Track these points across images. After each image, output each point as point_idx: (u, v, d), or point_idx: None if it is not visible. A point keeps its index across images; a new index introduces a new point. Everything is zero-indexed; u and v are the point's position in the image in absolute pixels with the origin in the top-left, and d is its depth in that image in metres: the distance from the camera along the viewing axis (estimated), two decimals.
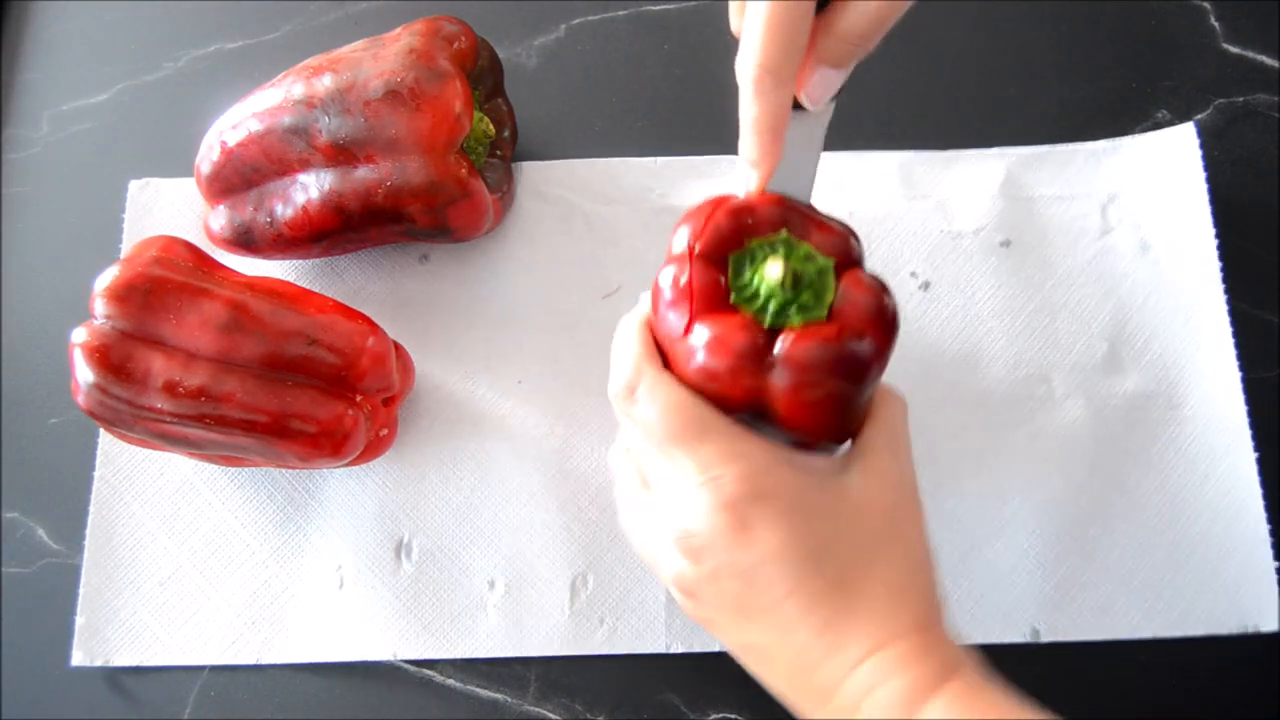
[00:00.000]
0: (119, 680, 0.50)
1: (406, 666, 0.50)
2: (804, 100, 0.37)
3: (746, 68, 0.35)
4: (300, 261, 0.57)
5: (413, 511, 0.52)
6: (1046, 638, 0.49)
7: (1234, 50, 0.59)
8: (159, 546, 0.52)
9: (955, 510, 0.51)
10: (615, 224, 0.56)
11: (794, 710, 0.35)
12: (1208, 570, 0.49)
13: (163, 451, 0.50)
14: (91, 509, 0.52)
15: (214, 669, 0.50)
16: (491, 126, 0.53)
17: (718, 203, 0.36)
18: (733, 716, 0.49)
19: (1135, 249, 0.54)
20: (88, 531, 0.52)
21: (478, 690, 0.50)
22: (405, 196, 0.49)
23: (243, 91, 0.52)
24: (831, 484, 0.35)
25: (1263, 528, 0.49)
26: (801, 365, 0.33)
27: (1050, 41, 0.59)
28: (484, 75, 0.54)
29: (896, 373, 0.53)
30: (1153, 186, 0.55)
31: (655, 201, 0.57)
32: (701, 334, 0.33)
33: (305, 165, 0.50)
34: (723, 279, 0.35)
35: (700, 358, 0.33)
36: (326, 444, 0.46)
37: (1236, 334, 0.52)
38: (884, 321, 0.34)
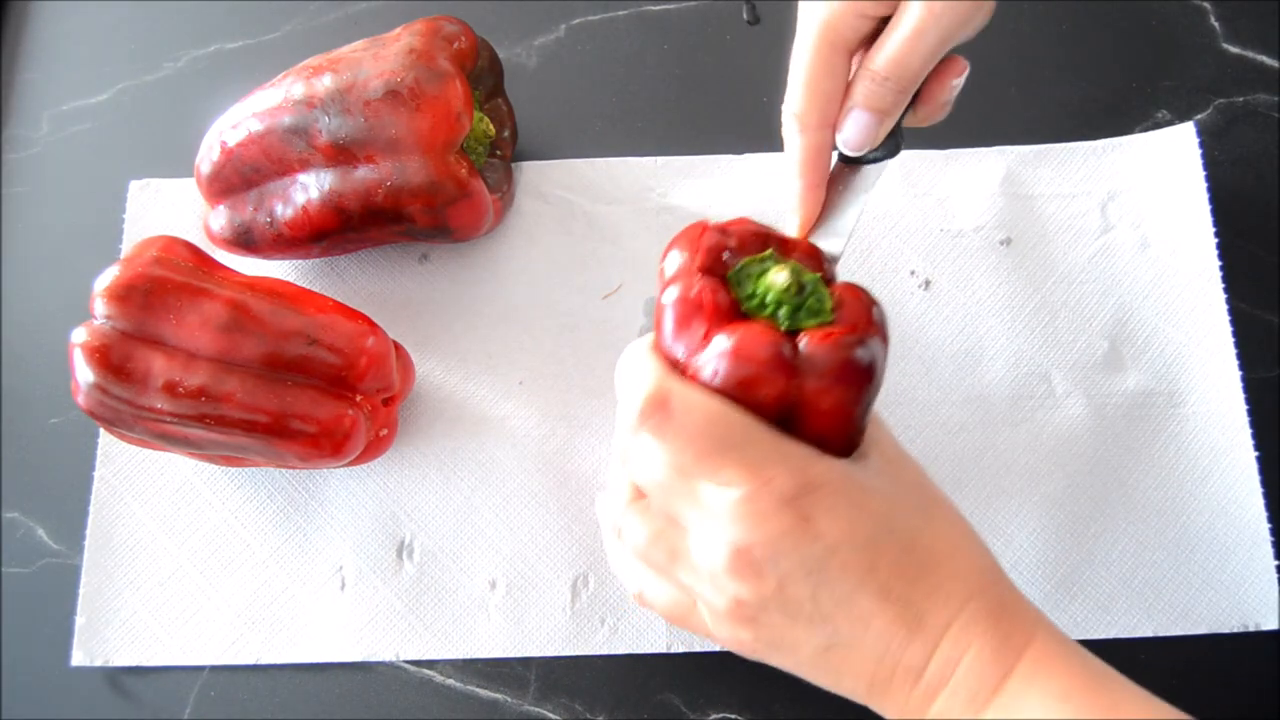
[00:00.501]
0: (119, 680, 0.50)
1: (407, 666, 0.50)
2: (840, 145, 0.38)
3: (783, 111, 0.36)
4: (300, 261, 0.57)
5: (414, 512, 0.52)
6: None
7: (1234, 50, 0.59)
8: (159, 546, 0.52)
9: None
10: (615, 224, 0.56)
11: (878, 709, 0.35)
12: (1208, 569, 0.49)
13: (163, 451, 0.50)
14: (91, 509, 0.52)
15: (214, 669, 0.50)
16: (491, 126, 0.54)
17: (702, 226, 0.36)
18: (733, 717, 0.49)
19: (1135, 247, 0.54)
20: (88, 531, 0.52)
21: (478, 690, 0.50)
22: (405, 196, 0.49)
23: (243, 91, 0.52)
24: (861, 471, 0.35)
25: (1263, 526, 0.50)
26: (830, 360, 0.33)
27: (1050, 41, 0.59)
28: (484, 75, 0.54)
29: (897, 372, 0.53)
30: (1153, 185, 0.55)
31: (655, 201, 0.57)
32: (723, 343, 0.33)
33: (305, 165, 0.50)
34: (727, 293, 0.35)
35: (725, 367, 0.33)
36: (326, 444, 0.46)
37: (1236, 333, 0.52)
38: (883, 324, 0.35)
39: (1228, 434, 0.51)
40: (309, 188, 0.51)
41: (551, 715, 0.49)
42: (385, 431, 0.50)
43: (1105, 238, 0.55)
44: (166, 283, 0.45)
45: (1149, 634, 0.48)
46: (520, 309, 0.55)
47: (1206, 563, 0.49)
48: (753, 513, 0.32)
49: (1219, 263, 0.53)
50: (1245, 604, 0.49)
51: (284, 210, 0.51)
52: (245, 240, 0.53)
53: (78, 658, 0.50)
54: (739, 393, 0.33)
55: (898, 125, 0.39)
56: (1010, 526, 0.50)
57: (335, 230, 0.51)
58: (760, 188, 0.56)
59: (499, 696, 0.49)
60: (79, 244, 0.58)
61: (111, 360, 0.44)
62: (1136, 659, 0.49)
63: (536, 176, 0.57)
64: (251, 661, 0.50)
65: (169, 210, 0.58)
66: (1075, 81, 0.58)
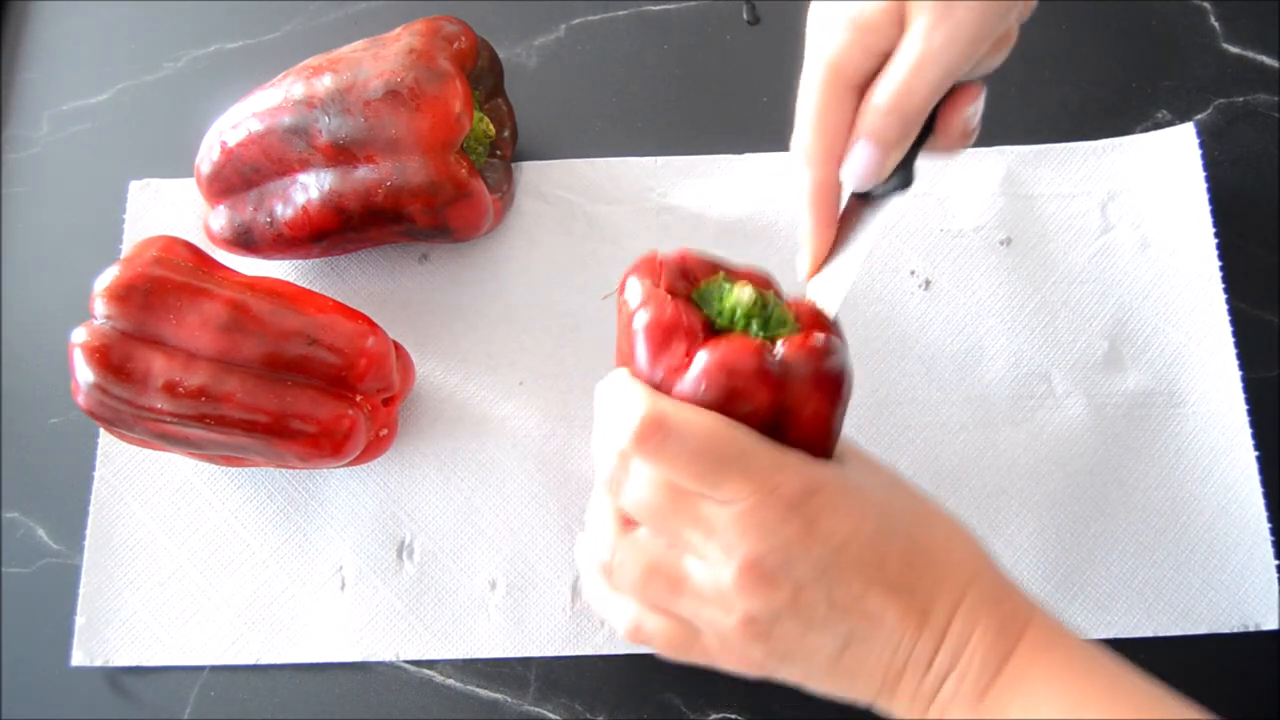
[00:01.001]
0: (119, 680, 0.50)
1: (407, 666, 0.50)
2: (845, 178, 0.38)
3: (791, 146, 0.37)
4: (300, 261, 0.57)
5: (414, 512, 0.52)
6: None
7: (1234, 50, 0.59)
8: (159, 546, 0.52)
9: (955, 509, 0.50)
10: (615, 224, 0.56)
11: (885, 708, 0.35)
12: (1208, 568, 0.49)
13: (163, 451, 0.50)
14: (91, 509, 0.52)
15: (214, 669, 0.50)
16: (491, 126, 0.54)
17: (654, 255, 0.37)
18: (733, 717, 0.49)
19: (1135, 248, 0.54)
20: (88, 531, 0.52)
21: (478, 690, 0.50)
22: (405, 196, 0.49)
23: (243, 91, 0.52)
24: (850, 472, 0.35)
25: (1263, 526, 0.50)
26: (810, 365, 0.34)
27: (1050, 41, 0.59)
28: (484, 75, 0.54)
29: (897, 372, 0.53)
30: (1153, 186, 0.55)
31: (655, 201, 0.57)
32: (708, 358, 0.33)
33: (305, 165, 0.50)
34: (698, 312, 0.35)
35: (712, 381, 0.33)
36: (326, 444, 0.46)
37: (1236, 333, 0.52)
38: (840, 330, 0.36)
39: (1228, 434, 0.51)
40: (309, 188, 0.50)
41: (551, 715, 0.49)
42: (385, 431, 0.50)
43: (1105, 238, 0.55)
44: (166, 283, 0.45)
45: (1149, 634, 0.48)
46: (520, 309, 0.55)
47: (1206, 563, 0.49)
48: (760, 523, 0.32)
49: (1219, 263, 0.53)
50: (1245, 604, 0.49)
51: (284, 210, 0.51)
52: (245, 240, 0.53)
53: (78, 658, 0.50)
54: (728, 406, 0.33)
55: (909, 158, 0.38)
56: (1010, 526, 0.50)
57: (335, 230, 0.51)
58: (760, 188, 0.56)
59: (499, 696, 0.49)
60: (79, 244, 0.58)
61: (111, 360, 0.44)
62: (1136, 659, 0.48)
63: (536, 176, 0.57)
64: (251, 661, 0.50)
65: (169, 210, 0.58)
66: (1075, 81, 0.58)
